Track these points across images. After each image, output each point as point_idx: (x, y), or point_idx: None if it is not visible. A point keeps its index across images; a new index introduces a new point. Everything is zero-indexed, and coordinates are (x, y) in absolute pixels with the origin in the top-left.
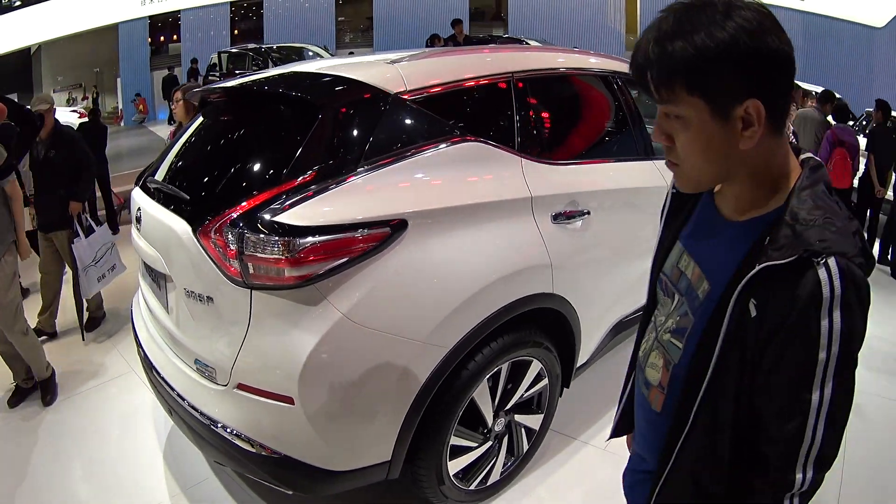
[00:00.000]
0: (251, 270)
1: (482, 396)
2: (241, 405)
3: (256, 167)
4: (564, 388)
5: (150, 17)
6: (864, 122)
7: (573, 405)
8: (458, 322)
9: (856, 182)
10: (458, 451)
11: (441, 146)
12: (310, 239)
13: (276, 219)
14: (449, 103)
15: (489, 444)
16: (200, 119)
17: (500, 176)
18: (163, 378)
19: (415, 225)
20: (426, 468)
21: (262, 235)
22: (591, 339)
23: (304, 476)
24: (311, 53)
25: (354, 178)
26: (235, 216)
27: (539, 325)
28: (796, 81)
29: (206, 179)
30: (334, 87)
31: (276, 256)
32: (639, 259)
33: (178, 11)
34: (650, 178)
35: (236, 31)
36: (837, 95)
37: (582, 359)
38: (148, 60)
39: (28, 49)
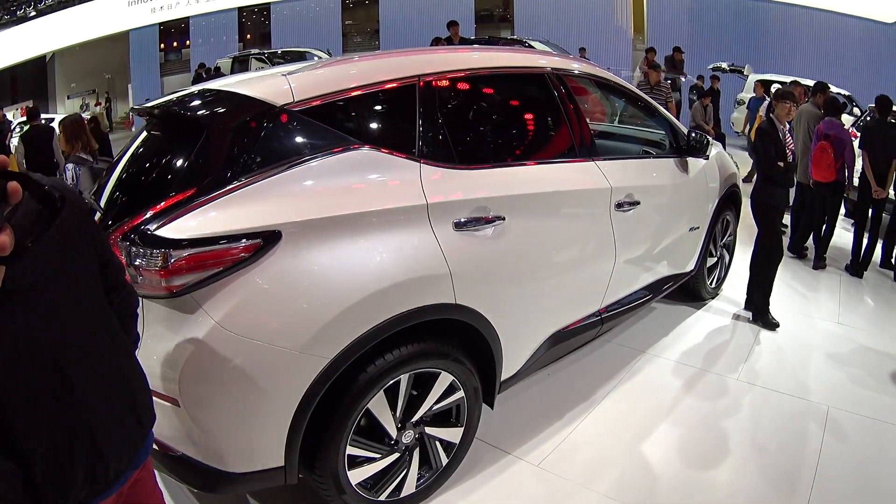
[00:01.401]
0: (139, 280)
1: (379, 407)
2: None
3: (153, 183)
4: (492, 401)
5: (160, 24)
6: (868, 119)
7: (511, 419)
8: (337, 333)
9: (856, 180)
10: (360, 461)
11: (326, 156)
12: (182, 251)
13: (156, 232)
14: (342, 112)
15: (396, 455)
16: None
17: (390, 183)
18: None
19: (289, 236)
20: (323, 476)
21: (143, 248)
22: (518, 351)
23: (202, 475)
24: (315, 57)
25: (234, 191)
26: (127, 229)
27: (448, 336)
28: (797, 78)
29: (116, 194)
30: (222, 103)
31: (155, 268)
32: (575, 268)
33: (188, 18)
34: (589, 179)
35: (249, 36)
36: (837, 89)
37: (508, 371)
38: (158, 66)
39: (43, 57)
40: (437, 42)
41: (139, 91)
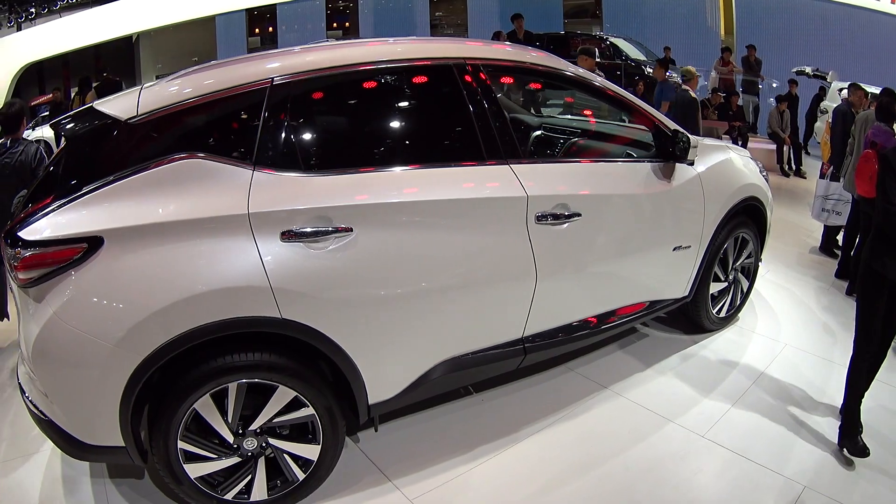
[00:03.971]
0: (11, 272)
1: (207, 410)
2: (27, 375)
3: (37, 188)
4: (374, 423)
5: (248, 10)
6: None
7: (413, 444)
8: (147, 334)
9: None
10: (196, 458)
11: (157, 166)
12: (27, 251)
13: (18, 233)
14: (180, 123)
15: (236, 459)
16: None
17: (214, 192)
18: None
19: (111, 240)
20: (161, 465)
21: (8, 246)
22: (388, 374)
23: (65, 440)
24: None
25: (78, 198)
26: (9, 228)
27: (295, 350)
28: (859, 83)
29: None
30: (86, 120)
31: (12, 263)
32: (465, 289)
33: (275, 5)
34: (492, 186)
35: (335, 25)
36: None
37: (379, 395)
38: (246, 52)
39: (130, 37)
40: (497, 36)
41: None
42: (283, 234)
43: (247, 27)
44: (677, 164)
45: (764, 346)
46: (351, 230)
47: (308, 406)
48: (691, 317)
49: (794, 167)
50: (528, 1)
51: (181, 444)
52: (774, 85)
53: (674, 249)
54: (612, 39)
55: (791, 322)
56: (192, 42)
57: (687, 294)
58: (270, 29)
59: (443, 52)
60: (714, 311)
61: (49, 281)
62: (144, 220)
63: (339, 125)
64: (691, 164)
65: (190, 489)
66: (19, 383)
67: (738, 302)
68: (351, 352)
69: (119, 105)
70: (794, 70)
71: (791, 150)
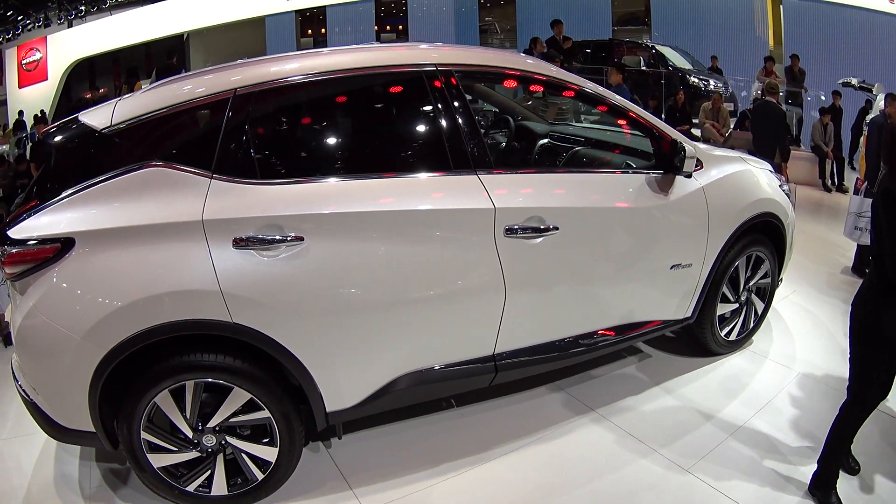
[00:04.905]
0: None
1: (167, 405)
2: (17, 362)
3: (31, 191)
4: (336, 431)
5: (298, 11)
6: None
7: (381, 454)
8: (109, 330)
9: None
10: (159, 449)
11: (125, 173)
12: (12, 248)
13: (7, 232)
14: (147, 132)
15: (196, 453)
16: None
17: (173, 199)
18: None
19: (81, 241)
20: (126, 452)
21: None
22: (345, 384)
23: (46, 422)
24: None
25: (58, 202)
26: (1, 226)
27: (252, 355)
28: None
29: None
30: (70, 129)
31: (1, 259)
32: (425, 302)
33: (324, 7)
34: (455, 197)
35: (388, 28)
36: None
37: (337, 403)
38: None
39: (181, 35)
40: (534, 42)
41: None
42: (235, 241)
43: (298, 28)
44: (677, 177)
45: (775, 373)
46: (302, 239)
47: (264, 409)
48: (697, 339)
49: (836, 182)
50: (578, 7)
51: (144, 435)
52: (822, 97)
53: (671, 267)
54: (659, 48)
55: (809, 348)
56: (242, 42)
57: (689, 315)
58: (323, 30)
59: (412, 59)
60: (722, 334)
61: (31, 276)
62: (111, 224)
63: (299, 134)
64: (689, 176)
65: (153, 478)
66: (12, 370)
67: (752, 325)
68: (304, 359)
69: (97, 116)
70: (840, 81)
71: (834, 164)
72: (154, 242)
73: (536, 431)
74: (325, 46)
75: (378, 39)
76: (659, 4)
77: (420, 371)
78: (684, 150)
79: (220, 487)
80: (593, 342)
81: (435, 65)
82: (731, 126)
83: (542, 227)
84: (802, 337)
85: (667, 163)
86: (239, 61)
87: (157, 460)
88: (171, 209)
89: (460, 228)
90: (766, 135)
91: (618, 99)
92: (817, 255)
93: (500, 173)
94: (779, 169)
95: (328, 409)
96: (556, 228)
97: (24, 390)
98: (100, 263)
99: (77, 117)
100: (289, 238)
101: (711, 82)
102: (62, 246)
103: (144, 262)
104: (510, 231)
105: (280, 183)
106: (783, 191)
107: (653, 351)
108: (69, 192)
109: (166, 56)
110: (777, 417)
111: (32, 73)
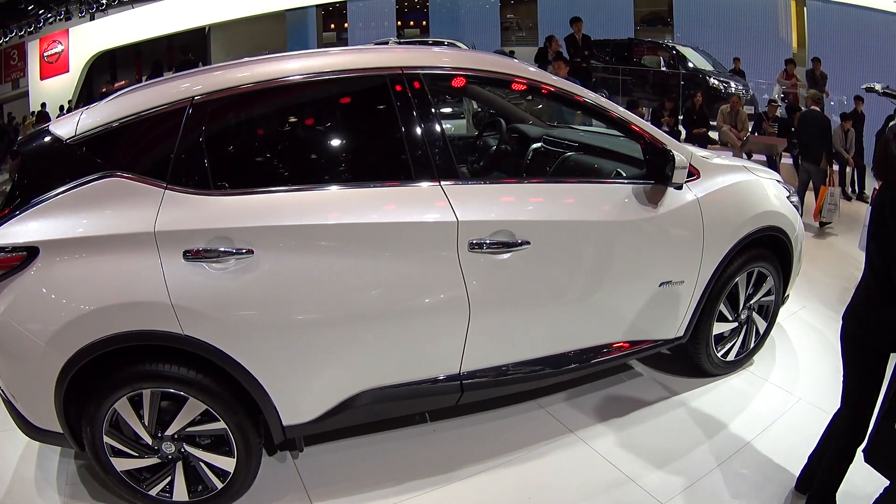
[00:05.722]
0: None
1: (126, 411)
2: None
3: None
4: (296, 444)
5: (319, 6)
6: None
7: (347, 468)
8: (67, 337)
9: None
10: (121, 453)
11: (85, 183)
12: None
13: None
14: (106, 142)
15: (155, 460)
16: None
17: (127, 209)
18: None
19: (45, 251)
20: (91, 454)
21: None
22: (300, 399)
23: (21, 421)
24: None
25: (25, 210)
26: None
27: (208, 366)
28: None
29: None
30: (40, 139)
31: None
32: (380, 318)
33: (346, 2)
34: (413, 209)
35: (411, 23)
36: None
37: (293, 417)
38: (317, 48)
39: (203, 28)
40: (550, 40)
41: None
42: (185, 252)
43: (320, 23)
44: (668, 188)
45: (774, 398)
46: (252, 252)
47: (219, 420)
48: (691, 359)
49: (856, 190)
50: (600, 6)
51: (106, 439)
52: (845, 102)
53: (660, 285)
54: (680, 48)
55: (813, 371)
56: (263, 35)
57: (681, 335)
58: (346, 25)
59: (375, 63)
60: (720, 354)
61: (3, 282)
62: (71, 234)
63: (254, 144)
64: (679, 187)
65: (116, 480)
66: None
67: (752, 345)
68: (256, 373)
69: (64, 126)
70: (864, 87)
71: (855, 172)
72: (109, 253)
73: (510, 452)
74: (346, 43)
75: (399, 35)
76: (682, 4)
77: (381, 388)
78: (674, 160)
79: (181, 493)
80: (569, 363)
81: (400, 67)
82: (749, 130)
83: (510, 241)
84: (808, 358)
85: (656, 172)
86: (203, 68)
87: (120, 464)
88: (126, 220)
89: (419, 242)
90: (814, 143)
91: (604, 102)
92: (831, 268)
93: (468, 183)
94: (826, 177)
95: (285, 423)
96: (528, 243)
97: (2, 389)
98: (60, 272)
99: (47, 128)
100: (238, 251)
101: (732, 84)
102: (27, 255)
103: (100, 272)
104: (475, 246)
105: (232, 194)
106: (792, 203)
107: (645, 369)
108: (38, 200)
109: (181, 52)
110: (772, 447)
111: (54, 65)
